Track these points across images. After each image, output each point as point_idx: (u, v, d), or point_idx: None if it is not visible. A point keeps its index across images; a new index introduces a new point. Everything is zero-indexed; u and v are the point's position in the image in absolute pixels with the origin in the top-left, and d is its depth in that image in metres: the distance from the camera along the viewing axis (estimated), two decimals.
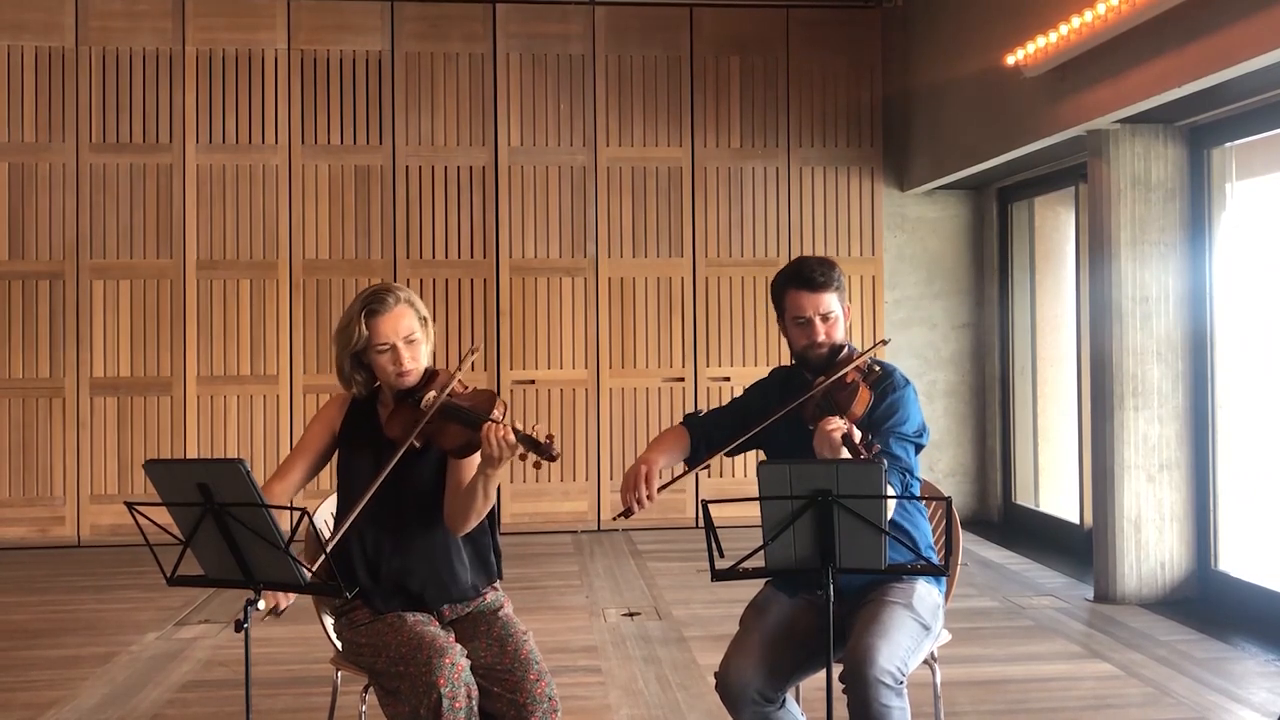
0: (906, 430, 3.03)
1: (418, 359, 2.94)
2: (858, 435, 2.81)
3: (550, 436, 2.74)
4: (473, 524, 2.94)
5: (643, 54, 7.86)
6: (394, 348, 2.91)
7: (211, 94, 7.57)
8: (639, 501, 3.00)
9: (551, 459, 2.72)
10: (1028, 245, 7.84)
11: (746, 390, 3.33)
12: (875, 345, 3.20)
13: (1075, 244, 7.06)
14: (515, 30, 7.77)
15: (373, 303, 2.90)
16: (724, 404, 3.34)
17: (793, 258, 7.68)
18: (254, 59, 7.61)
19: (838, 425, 2.79)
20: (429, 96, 7.72)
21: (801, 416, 2.99)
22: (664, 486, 3.04)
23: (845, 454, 2.79)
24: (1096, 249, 5.82)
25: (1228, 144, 5.63)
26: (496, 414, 2.79)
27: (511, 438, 2.73)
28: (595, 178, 7.81)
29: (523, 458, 2.75)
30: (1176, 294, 5.71)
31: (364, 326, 2.89)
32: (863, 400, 2.94)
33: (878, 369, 3.03)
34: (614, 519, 2.79)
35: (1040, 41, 5.66)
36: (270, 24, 7.61)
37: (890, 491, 2.90)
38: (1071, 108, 5.66)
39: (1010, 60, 5.98)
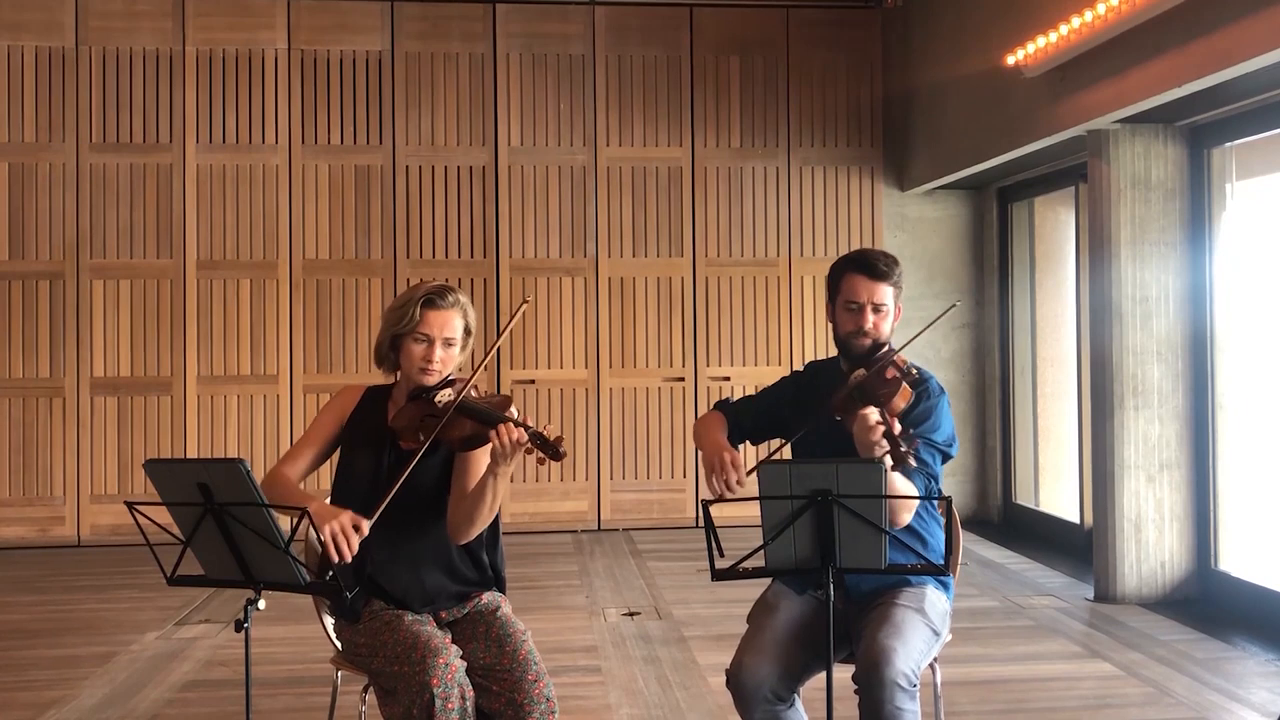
0: (937, 439, 3.03)
1: (447, 362, 3.00)
2: (898, 427, 2.80)
3: (559, 438, 2.77)
4: (477, 530, 2.94)
5: (643, 54, 7.86)
6: (431, 342, 2.97)
7: (211, 94, 7.57)
8: (728, 486, 2.94)
9: (558, 458, 2.75)
10: (1028, 245, 7.84)
11: (779, 380, 3.33)
12: (924, 329, 3.15)
13: (1075, 244, 7.06)
14: (515, 30, 7.77)
15: (434, 294, 2.99)
16: (752, 394, 3.35)
17: (793, 258, 7.82)
18: (254, 59, 7.61)
19: (878, 418, 2.79)
20: (429, 96, 7.72)
21: (830, 406, 2.97)
22: (751, 470, 2.87)
23: (884, 445, 2.77)
24: (1096, 249, 5.82)
25: (1228, 144, 5.63)
26: (511, 413, 2.83)
27: (524, 435, 2.76)
28: (595, 178, 7.81)
29: (528, 452, 2.77)
30: (1176, 294, 5.72)
31: (417, 312, 2.96)
32: (904, 396, 2.92)
33: (914, 372, 3.01)
34: (707, 504, 2.67)
35: (1040, 41, 5.66)
36: (270, 24, 7.61)
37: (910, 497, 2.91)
38: (1071, 108, 5.66)
39: (1010, 60, 5.98)
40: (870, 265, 3.06)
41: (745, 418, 3.22)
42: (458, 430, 2.87)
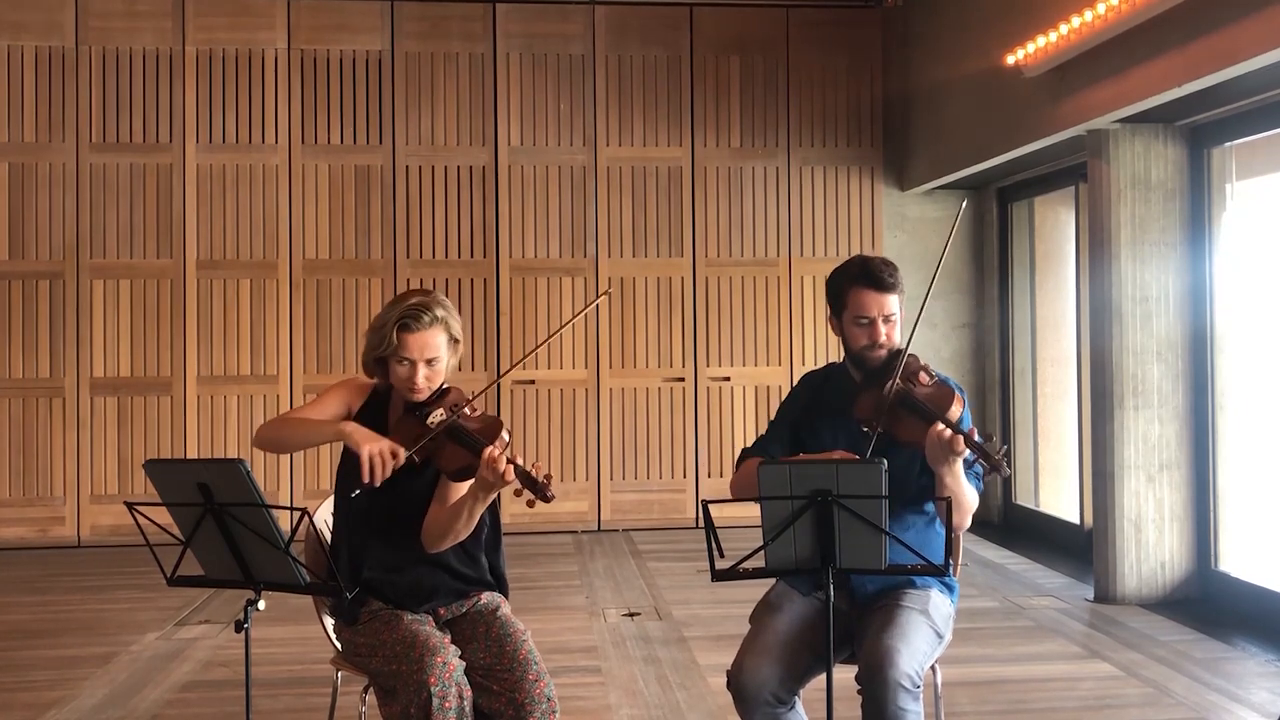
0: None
1: (434, 380, 2.97)
2: (977, 435, 2.78)
3: (548, 477, 2.73)
4: (450, 542, 2.93)
5: (643, 54, 7.86)
6: (414, 364, 2.93)
7: (211, 94, 7.57)
8: None
9: (546, 500, 2.70)
10: (1028, 245, 7.84)
11: (782, 404, 3.28)
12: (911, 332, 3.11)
13: (1075, 244, 7.06)
14: (515, 30, 7.77)
15: (409, 316, 2.92)
16: (764, 431, 3.27)
17: (793, 258, 7.82)
18: (254, 59, 7.61)
19: (951, 431, 2.76)
20: (429, 96, 7.72)
21: (855, 417, 2.95)
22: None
23: (970, 455, 2.75)
24: (1096, 249, 5.82)
25: (1228, 144, 5.63)
26: (500, 443, 2.80)
27: (511, 474, 2.73)
28: (595, 178, 7.81)
29: (517, 493, 2.74)
30: (1176, 294, 5.71)
31: (394, 336, 2.92)
32: (959, 403, 2.89)
33: (935, 376, 3.00)
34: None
35: (1040, 41, 5.66)
36: (270, 24, 7.61)
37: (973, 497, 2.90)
38: (1071, 108, 5.66)
39: (1010, 60, 5.98)
40: (876, 278, 3.02)
41: (776, 447, 3.14)
42: (449, 461, 2.86)
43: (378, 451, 2.80)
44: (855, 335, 3.06)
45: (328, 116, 7.66)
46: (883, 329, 3.03)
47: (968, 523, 2.96)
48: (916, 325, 3.05)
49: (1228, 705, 4.22)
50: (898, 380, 2.91)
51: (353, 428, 2.88)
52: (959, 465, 2.84)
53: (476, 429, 2.86)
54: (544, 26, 7.79)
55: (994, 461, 2.74)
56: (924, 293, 3.07)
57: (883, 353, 3.04)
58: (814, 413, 3.14)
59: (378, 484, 2.81)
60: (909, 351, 3.01)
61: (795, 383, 3.34)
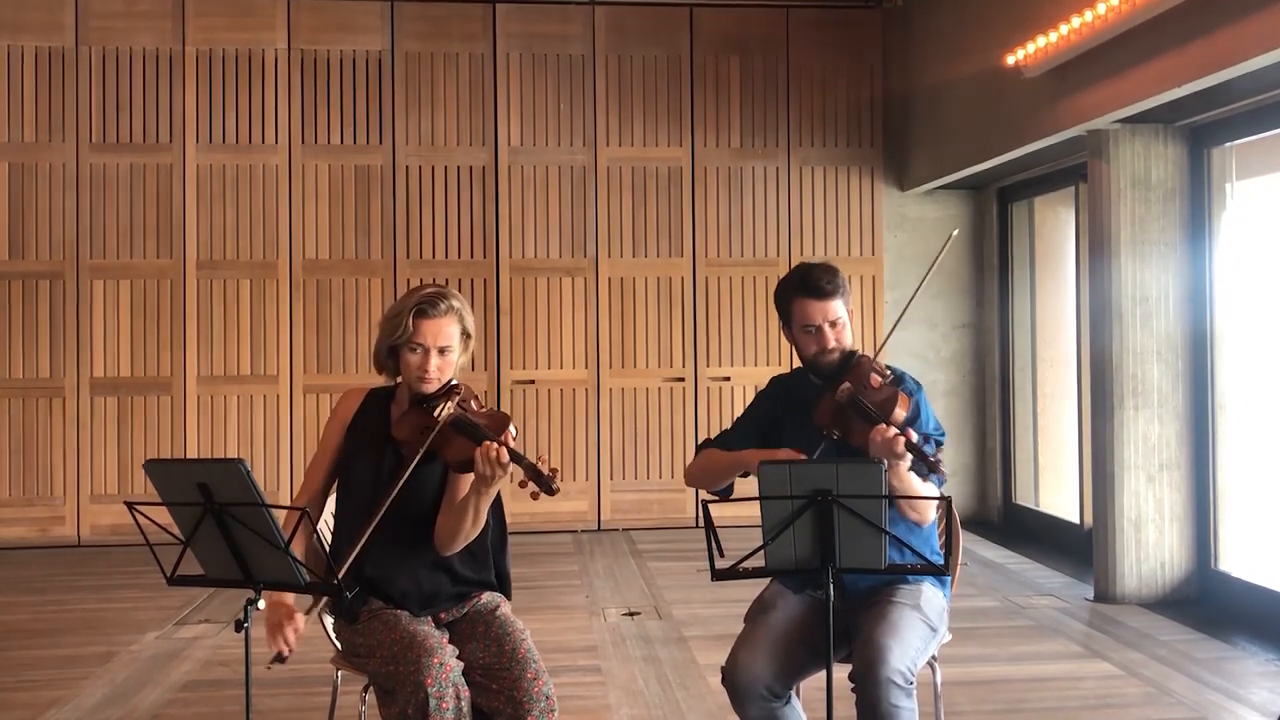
0: (930, 430, 3.05)
1: (444, 371, 2.97)
2: (914, 436, 2.81)
3: (554, 470, 2.72)
4: (459, 545, 2.94)
5: (643, 54, 7.86)
6: (426, 351, 2.94)
7: (211, 94, 7.57)
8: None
9: (550, 492, 2.70)
10: (1028, 245, 7.84)
11: (751, 403, 3.31)
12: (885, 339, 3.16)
13: (1075, 244, 7.06)
14: (515, 30, 7.77)
15: (425, 303, 2.94)
16: (729, 427, 3.30)
17: (793, 258, 7.82)
18: (254, 59, 7.61)
19: (895, 432, 2.79)
20: (429, 96, 7.72)
21: (815, 421, 2.97)
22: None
23: (909, 458, 2.78)
24: (1096, 249, 5.82)
25: (1228, 144, 5.63)
26: (507, 436, 2.79)
27: (505, 458, 2.73)
28: (595, 178, 7.81)
29: (522, 485, 2.74)
30: (1176, 294, 5.72)
31: (410, 323, 2.93)
32: (904, 405, 2.91)
33: (890, 373, 3.03)
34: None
35: (1040, 41, 5.66)
36: (270, 24, 7.61)
37: (933, 494, 2.92)
38: (1071, 108, 5.66)
39: (1010, 60, 5.98)
40: (815, 287, 3.04)
41: (740, 442, 3.18)
42: (455, 451, 2.85)
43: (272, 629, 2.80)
44: (805, 343, 3.10)
45: (328, 116, 7.66)
46: (830, 334, 3.05)
47: (929, 517, 2.98)
48: (893, 329, 3.10)
49: (1228, 705, 4.23)
50: (846, 384, 2.94)
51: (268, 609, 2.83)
52: (903, 466, 2.85)
53: (483, 423, 2.86)
54: (544, 26, 7.79)
55: (930, 464, 2.77)
56: (908, 301, 3.13)
57: (835, 356, 3.06)
58: (781, 418, 3.16)
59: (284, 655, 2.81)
60: (861, 354, 3.06)
61: (765, 385, 3.35)
